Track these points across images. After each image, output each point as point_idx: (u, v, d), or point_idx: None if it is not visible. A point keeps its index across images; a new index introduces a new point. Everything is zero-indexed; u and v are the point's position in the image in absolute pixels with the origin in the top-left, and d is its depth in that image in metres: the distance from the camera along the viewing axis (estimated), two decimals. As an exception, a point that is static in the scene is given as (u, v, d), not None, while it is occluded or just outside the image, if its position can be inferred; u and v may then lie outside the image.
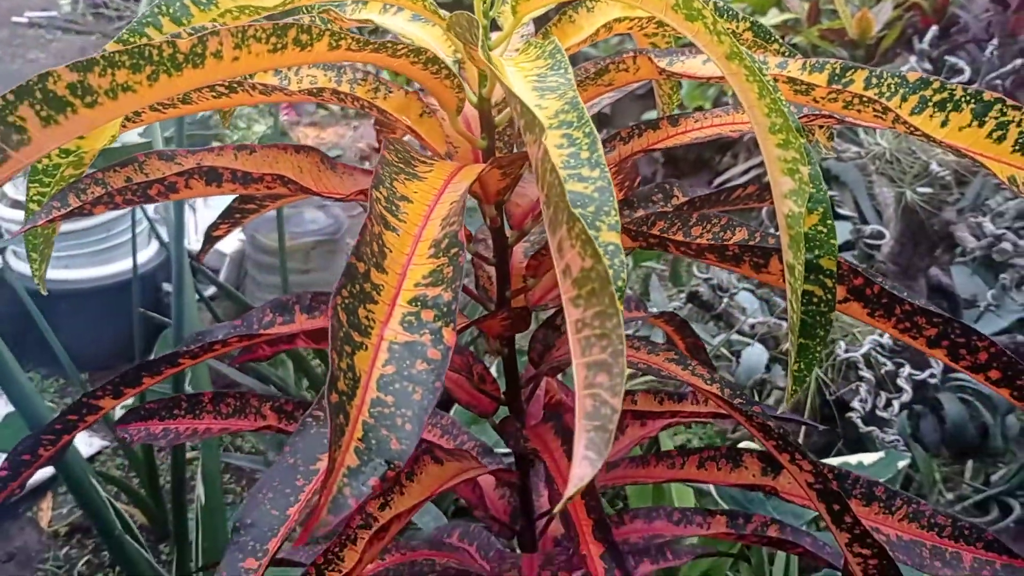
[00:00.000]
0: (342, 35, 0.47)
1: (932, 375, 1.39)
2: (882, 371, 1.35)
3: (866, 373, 1.34)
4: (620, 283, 0.33)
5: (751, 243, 0.53)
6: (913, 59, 1.79)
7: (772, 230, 0.58)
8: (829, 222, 0.51)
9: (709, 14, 0.48)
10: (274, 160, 0.60)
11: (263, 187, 0.56)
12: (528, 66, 0.48)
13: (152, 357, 1.99)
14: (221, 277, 2.42)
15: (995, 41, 1.57)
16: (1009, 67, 1.54)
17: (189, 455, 1.80)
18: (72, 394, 2.29)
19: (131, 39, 0.52)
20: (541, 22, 0.64)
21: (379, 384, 0.37)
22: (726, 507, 0.93)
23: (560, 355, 0.71)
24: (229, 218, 0.83)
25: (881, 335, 1.42)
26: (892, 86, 0.54)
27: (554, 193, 0.35)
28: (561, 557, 0.70)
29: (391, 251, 0.41)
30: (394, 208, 0.44)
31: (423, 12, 0.59)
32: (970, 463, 2.12)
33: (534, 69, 0.47)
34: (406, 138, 0.67)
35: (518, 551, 0.80)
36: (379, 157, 0.47)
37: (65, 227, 2.27)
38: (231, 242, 2.43)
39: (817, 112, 0.58)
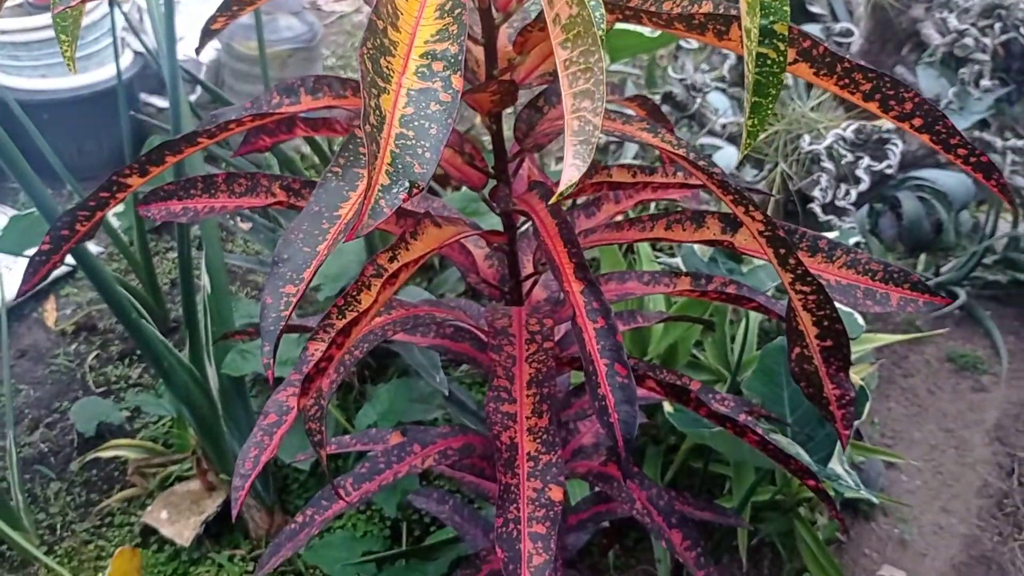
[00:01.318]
0: None
1: (889, 166, 1.48)
2: (843, 162, 1.44)
3: (828, 164, 1.42)
4: (600, 31, 0.41)
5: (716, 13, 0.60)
6: None
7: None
8: (784, -8, 0.58)
9: None
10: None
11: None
12: None
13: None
14: (198, 87, 2.43)
15: None
16: None
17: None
18: (60, 202, 2.35)
19: None
20: None
21: (401, 121, 0.44)
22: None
23: (543, 129, 0.78)
24: (227, 11, 0.87)
25: (844, 129, 1.49)
26: None
27: (546, -48, 0.42)
28: (545, 307, 0.81)
29: (402, 14, 0.48)
30: (402, -23, 0.50)
31: None
32: (923, 256, 2.26)
33: None
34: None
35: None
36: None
37: (39, 35, 2.25)
38: (207, 51, 2.42)
39: None
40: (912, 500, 1.77)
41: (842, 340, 0.71)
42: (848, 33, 1.68)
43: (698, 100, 1.81)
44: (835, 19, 1.89)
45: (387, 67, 0.45)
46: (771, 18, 0.58)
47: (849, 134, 1.47)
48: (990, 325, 2.16)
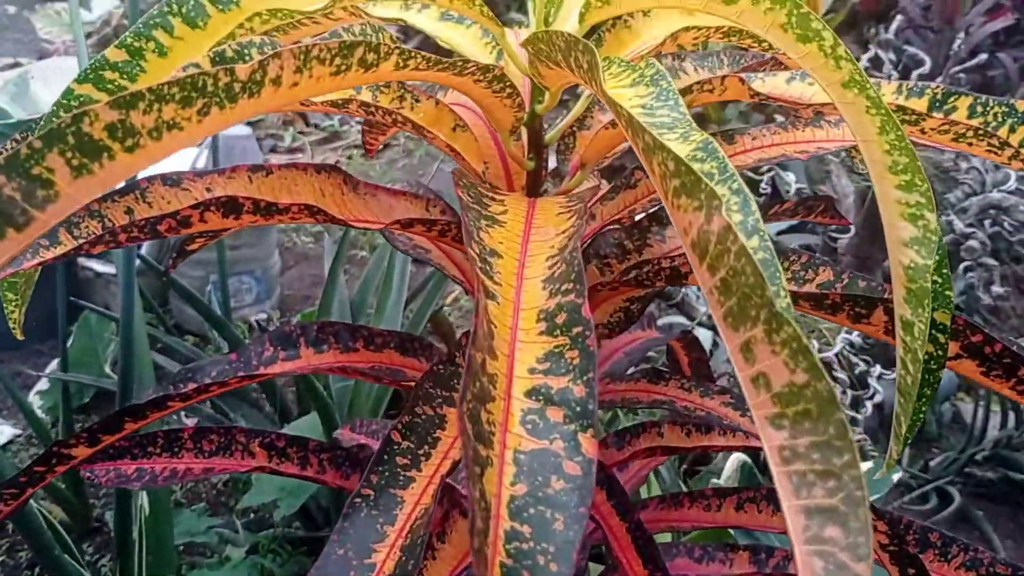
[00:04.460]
0: (411, 54, 0.40)
1: (901, 374, 1.38)
2: (856, 371, 1.34)
3: (840, 374, 1.32)
4: (840, 407, 0.27)
5: (850, 292, 0.48)
6: (872, 48, 1.77)
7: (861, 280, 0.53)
8: (945, 271, 0.46)
9: (829, 36, 0.42)
10: (292, 183, 0.51)
11: (287, 218, 0.48)
12: (627, 93, 0.41)
13: (70, 342, 1.81)
14: (143, 250, 2.27)
15: (961, 35, 1.56)
16: (974, 62, 1.53)
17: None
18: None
19: (135, 43, 0.43)
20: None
21: (511, 510, 0.30)
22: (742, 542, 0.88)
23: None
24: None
25: (850, 332, 1.40)
26: (999, 115, 0.49)
27: (742, 281, 0.29)
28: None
29: (496, 326, 0.34)
30: (489, 267, 0.37)
31: (466, 12, 0.51)
32: (907, 449, 2.16)
33: (635, 99, 0.40)
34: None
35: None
36: (458, 198, 0.40)
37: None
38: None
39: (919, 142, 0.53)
40: None
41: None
42: (844, 228, 1.62)
43: (683, 291, 1.72)
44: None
45: (488, 421, 0.31)
46: (932, 306, 0.46)
47: (856, 338, 1.38)
48: (986, 527, 2.04)
